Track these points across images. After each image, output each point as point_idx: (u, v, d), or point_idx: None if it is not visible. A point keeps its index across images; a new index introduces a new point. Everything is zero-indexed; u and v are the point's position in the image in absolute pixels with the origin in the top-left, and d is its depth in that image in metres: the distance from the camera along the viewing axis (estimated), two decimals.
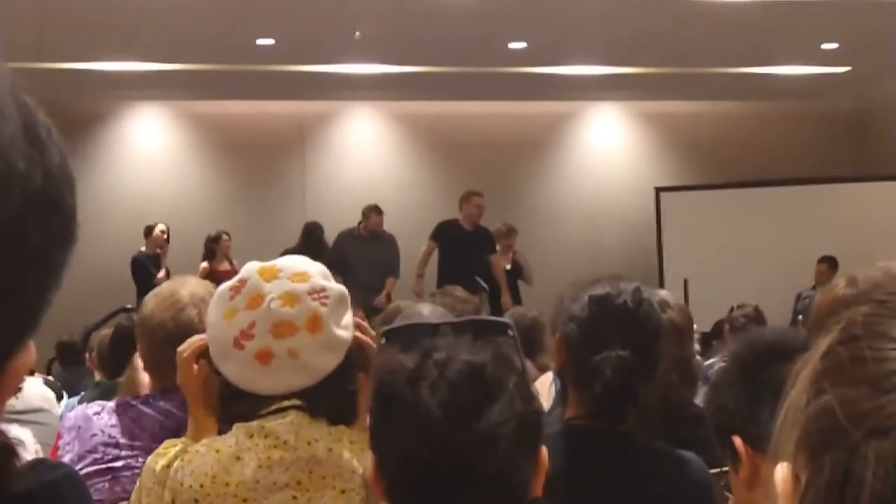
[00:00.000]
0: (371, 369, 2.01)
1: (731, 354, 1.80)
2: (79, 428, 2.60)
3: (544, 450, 1.47)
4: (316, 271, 2.03)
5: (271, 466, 1.90)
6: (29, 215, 0.64)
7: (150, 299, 2.59)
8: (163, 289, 2.62)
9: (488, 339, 1.49)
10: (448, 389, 1.40)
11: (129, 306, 9.52)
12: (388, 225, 11.12)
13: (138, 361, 2.78)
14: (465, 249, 10.23)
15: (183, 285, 2.60)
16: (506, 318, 1.69)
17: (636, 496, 2.13)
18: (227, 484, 1.89)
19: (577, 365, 2.16)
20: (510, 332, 1.59)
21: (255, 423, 1.93)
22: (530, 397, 1.46)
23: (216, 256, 10.54)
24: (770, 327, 3.30)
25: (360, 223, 10.95)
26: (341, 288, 2.03)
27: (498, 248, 10.82)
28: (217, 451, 1.92)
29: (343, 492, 1.91)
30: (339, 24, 9.60)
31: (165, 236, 10.83)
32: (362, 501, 1.91)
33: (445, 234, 10.50)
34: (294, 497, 1.90)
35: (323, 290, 1.99)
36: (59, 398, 5.16)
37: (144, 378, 2.86)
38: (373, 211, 10.88)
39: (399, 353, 1.49)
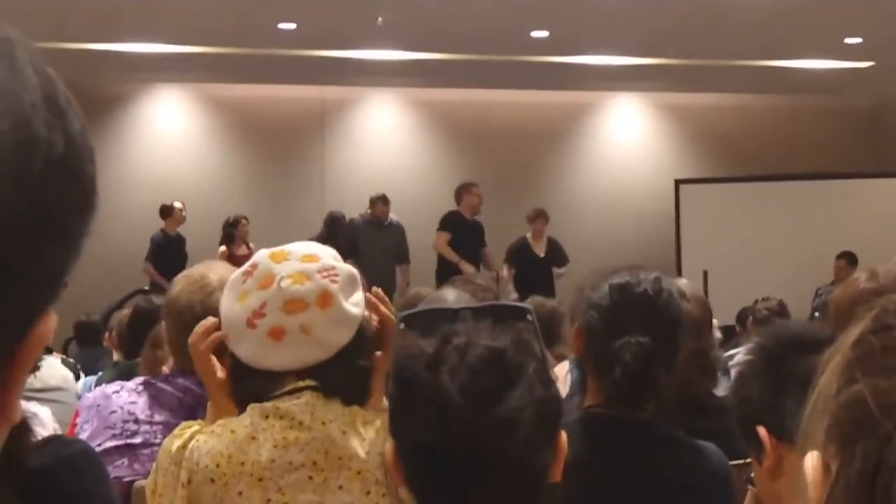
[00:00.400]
0: (390, 346, 2.02)
1: (756, 346, 1.80)
2: (98, 406, 2.61)
3: (563, 435, 1.46)
4: (325, 253, 2.05)
5: (287, 447, 1.91)
6: (49, 183, 0.64)
7: (180, 281, 2.59)
8: (193, 271, 2.63)
9: (508, 324, 1.48)
10: (468, 374, 1.39)
11: (145, 288, 9.59)
12: (406, 212, 11.13)
13: (155, 340, 2.78)
14: (468, 240, 10.38)
15: (212, 269, 2.60)
16: (526, 304, 1.68)
17: (654, 484, 2.13)
18: (242, 463, 1.90)
19: (597, 352, 2.15)
20: (529, 318, 1.58)
21: (269, 404, 1.94)
22: (550, 383, 1.46)
23: (234, 241, 10.57)
24: (794, 320, 3.29)
25: (367, 211, 11.00)
26: (351, 268, 2.05)
27: (529, 234, 10.87)
28: (232, 432, 1.93)
29: (359, 472, 1.91)
30: (361, 10, 9.60)
31: (184, 213, 10.89)
32: (377, 482, 1.91)
33: (453, 225, 10.56)
34: (310, 477, 1.90)
35: (332, 268, 2.01)
36: (77, 378, 5.18)
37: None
38: (379, 200, 10.95)
39: (418, 337, 1.48)
